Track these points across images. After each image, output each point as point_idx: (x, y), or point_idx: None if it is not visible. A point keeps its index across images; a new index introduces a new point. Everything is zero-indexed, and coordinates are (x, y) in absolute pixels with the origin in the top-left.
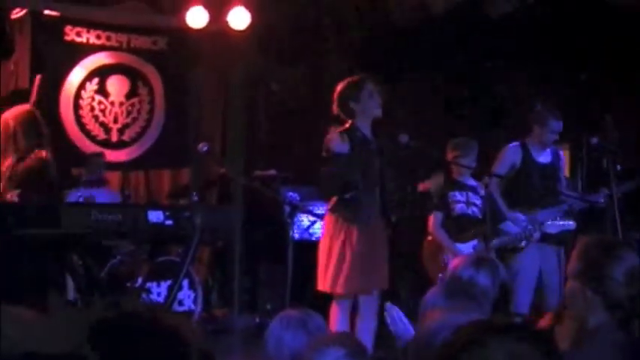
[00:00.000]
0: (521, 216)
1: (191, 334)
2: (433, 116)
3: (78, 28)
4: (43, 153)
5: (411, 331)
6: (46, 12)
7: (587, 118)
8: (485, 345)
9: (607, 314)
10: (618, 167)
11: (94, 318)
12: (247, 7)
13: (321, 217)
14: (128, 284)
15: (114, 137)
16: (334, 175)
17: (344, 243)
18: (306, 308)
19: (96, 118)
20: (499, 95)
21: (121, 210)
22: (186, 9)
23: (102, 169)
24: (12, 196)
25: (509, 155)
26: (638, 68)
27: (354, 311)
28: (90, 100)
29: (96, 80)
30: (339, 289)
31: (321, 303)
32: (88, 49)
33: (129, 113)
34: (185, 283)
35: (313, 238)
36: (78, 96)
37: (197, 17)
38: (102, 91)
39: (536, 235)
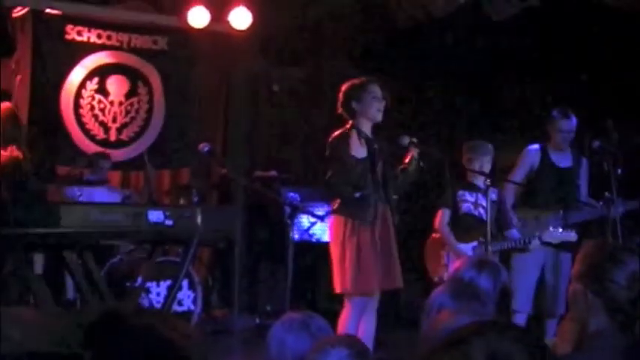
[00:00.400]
0: (517, 234)
1: (188, 345)
2: (433, 118)
3: (79, 27)
4: (18, 152)
5: None
6: (48, 10)
7: (587, 119)
8: (468, 342)
9: (608, 317)
10: (619, 171)
11: (89, 321)
12: (248, 7)
13: (321, 218)
14: (128, 284)
15: (112, 136)
16: (350, 179)
17: (358, 243)
18: (307, 310)
19: (95, 117)
20: (500, 97)
21: (121, 210)
22: (187, 9)
23: (106, 170)
24: None
25: (528, 158)
26: (638, 68)
27: None
28: (90, 99)
29: (96, 80)
30: (359, 289)
31: (322, 303)
32: (88, 48)
33: (127, 113)
34: (185, 283)
35: (313, 239)
36: (78, 95)
37: (198, 17)
38: (102, 90)
39: (535, 243)
